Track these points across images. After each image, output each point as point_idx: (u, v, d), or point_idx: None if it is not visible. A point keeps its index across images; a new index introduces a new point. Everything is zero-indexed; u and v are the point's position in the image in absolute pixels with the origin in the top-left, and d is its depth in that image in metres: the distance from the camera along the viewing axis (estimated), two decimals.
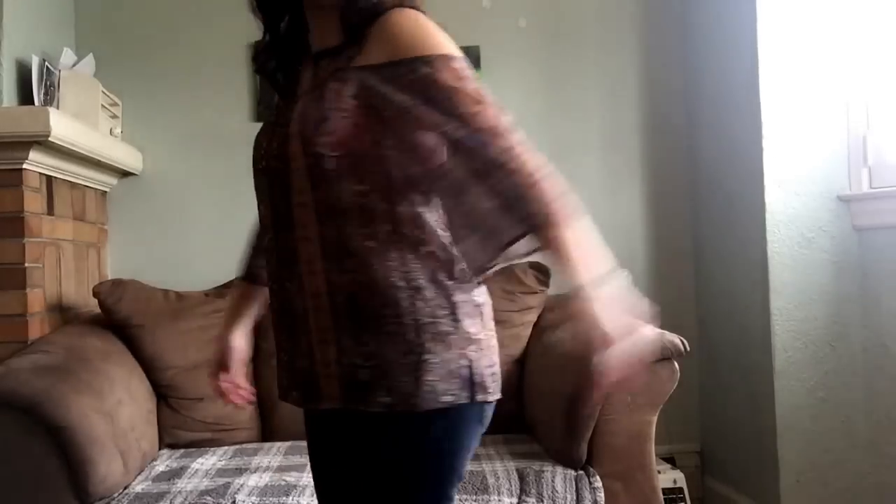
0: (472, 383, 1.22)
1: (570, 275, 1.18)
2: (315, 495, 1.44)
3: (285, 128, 1.25)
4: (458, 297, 1.23)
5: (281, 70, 1.36)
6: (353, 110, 1.19)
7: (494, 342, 1.29)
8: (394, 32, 1.20)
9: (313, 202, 1.21)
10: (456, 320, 1.22)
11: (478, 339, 1.24)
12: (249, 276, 1.51)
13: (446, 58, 1.18)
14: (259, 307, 1.52)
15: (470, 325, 1.24)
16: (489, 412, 1.28)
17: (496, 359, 1.28)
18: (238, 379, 1.52)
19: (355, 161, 1.20)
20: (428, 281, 1.21)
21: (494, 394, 1.26)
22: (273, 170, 1.27)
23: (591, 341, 1.14)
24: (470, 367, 1.22)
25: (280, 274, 1.29)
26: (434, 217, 1.24)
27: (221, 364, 1.51)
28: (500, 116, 1.20)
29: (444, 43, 1.21)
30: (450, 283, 1.23)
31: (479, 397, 1.23)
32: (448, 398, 1.20)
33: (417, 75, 1.17)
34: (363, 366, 1.20)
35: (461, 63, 1.20)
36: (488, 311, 1.30)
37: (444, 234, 1.24)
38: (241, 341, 1.52)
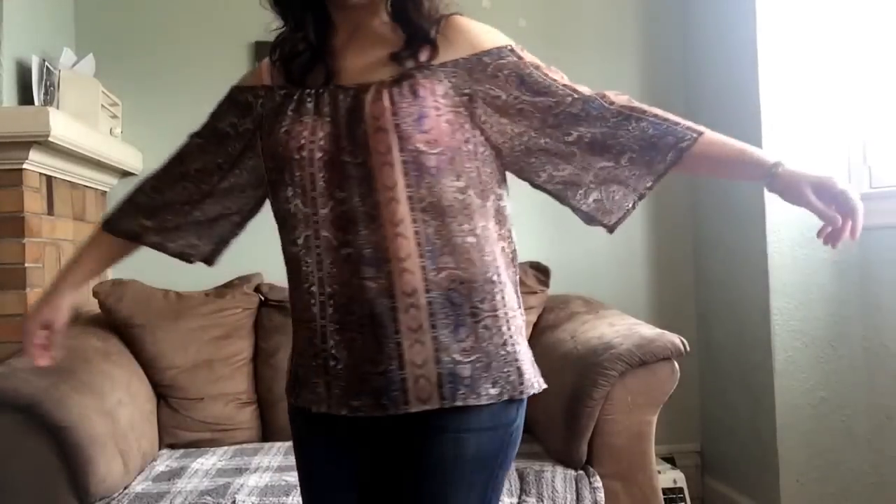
0: (538, 371, 1.33)
1: (753, 159, 1.33)
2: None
3: (353, 120, 1.23)
4: (517, 290, 1.32)
5: (304, 58, 1.32)
6: (444, 108, 1.24)
7: None
8: (467, 29, 1.30)
9: (408, 198, 1.21)
10: (522, 313, 1.33)
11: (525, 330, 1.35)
12: (125, 232, 1.50)
13: (517, 46, 1.31)
14: (106, 266, 1.53)
15: (523, 317, 1.34)
16: None
17: None
18: (56, 340, 1.50)
19: (452, 157, 1.24)
20: (507, 275, 1.29)
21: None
22: (327, 163, 1.24)
23: (833, 186, 1.28)
24: (532, 356, 1.33)
25: (352, 274, 1.22)
26: (509, 209, 1.35)
27: (47, 321, 1.48)
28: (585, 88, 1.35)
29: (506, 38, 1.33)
30: (514, 276, 1.32)
31: (544, 384, 1.34)
32: (538, 386, 1.31)
33: (506, 61, 1.28)
34: (463, 361, 1.22)
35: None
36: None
37: (511, 227, 1.34)
38: (73, 300, 1.50)
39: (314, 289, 1.25)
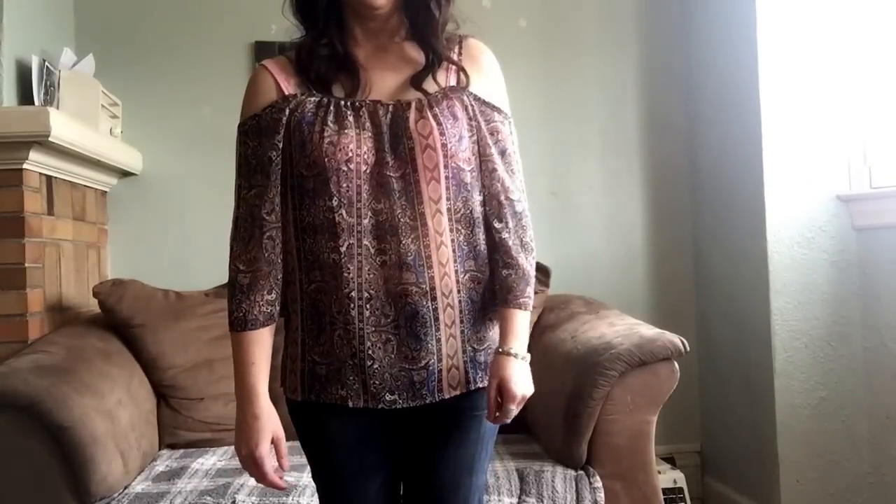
0: None
1: (518, 336, 1.43)
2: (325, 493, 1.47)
3: (396, 135, 1.33)
4: None
5: (325, 67, 1.39)
6: (471, 130, 1.39)
7: None
8: (490, 71, 1.45)
9: (447, 210, 1.35)
10: None
11: None
12: (260, 321, 1.39)
13: (512, 124, 1.45)
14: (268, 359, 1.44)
15: None
16: None
17: None
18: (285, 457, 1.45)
19: (478, 175, 1.40)
20: None
21: None
22: (369, 175, 1.33)
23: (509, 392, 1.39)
24: None
25: (390, 279, 1.33)
26: None
27: (273, 436, 1.42)
28: None
29: None
30: None
31: None
32: None
33: (505, 128, 1.43)
34: (479, 349, 1.42)
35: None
36: None
37: None
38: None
39: (353, 294, 1.33)
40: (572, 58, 3.25)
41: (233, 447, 2.49)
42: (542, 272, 2.82)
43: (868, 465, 2.65)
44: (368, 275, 1.32)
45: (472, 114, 1.39)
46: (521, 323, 1.43)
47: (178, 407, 2.56)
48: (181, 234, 3.08)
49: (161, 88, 3.09)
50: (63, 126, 2.32)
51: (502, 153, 1.42)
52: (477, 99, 1.40)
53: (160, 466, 2.31)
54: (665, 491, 2.56)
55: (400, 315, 1.33)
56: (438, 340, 1.36)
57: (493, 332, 1.45)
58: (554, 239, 3.16)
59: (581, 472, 2.18)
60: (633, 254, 3.24)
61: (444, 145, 1.33)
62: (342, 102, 1.36)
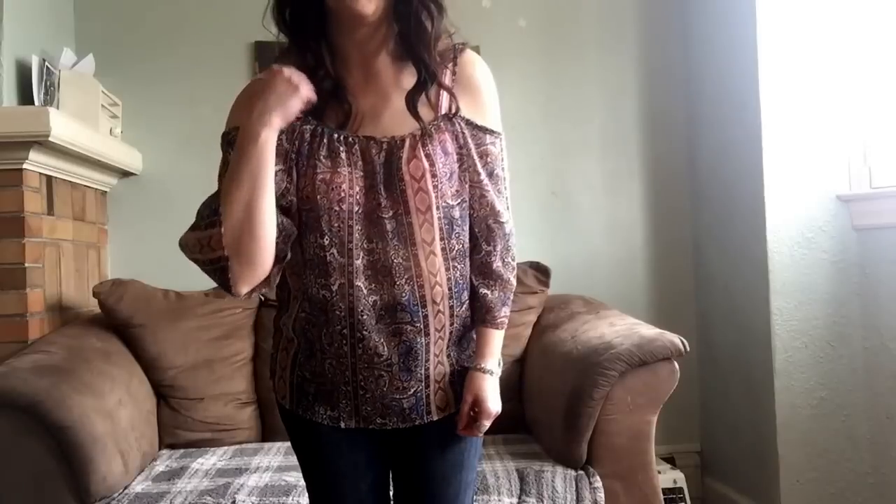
0: None
1: (494, 354, 1.44)
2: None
3: (389, 176, 1.30)
4: None
5: (323, 85, 1.32)
6: (457, 160, 1.36)
7: None
8: (482, 90, 1.41)
9: (442, 250, 1.35)
10: None
11: None
12: None
13: (503, 141, 1.43)
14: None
15: None
16: None
17: None
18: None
19: (467, 205, 1.39)
20: None
21: None
22: (361, 216, 1.31)
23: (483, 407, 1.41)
24: None
25: (382, 319, 1.33)
26: None
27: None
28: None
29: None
30: None
31: None
32: None
33: (496, 149, 1.40)
34: (465, 367, 1.43)
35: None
36: None
37: None
38: None
39: (346, 331, 1.34)
40: (572, 58, 3.25)
41: (233, 447, 2.51)
42: (542, 272, 2.82)
43: (868, 465, 2.65)
44: (361, 315, 1.32)
45: (462, 142, 1.36)
46: (497, 341, 1.45)
47: (178, 407, 2.56)
48: (181, 234, 3.07)
49: (161, 88, 3.09)
50: (63, 126, 2.32)
51: (490, 174, 1.40)
52: (469, 124, 1.37)
53: (160, 466, 2.31)
54: (665, 491, 2.56)
55: (393, 353, 1.35)
56: (427, 369, 1.38)
57: (471, 349, 1.47)
58: (554, 239, 3.17)
59: (581, 472, 2.18)
60: (633, 254, 3.24)
61: (435, 187, 1.32)
62: (335, 136, 1.31)
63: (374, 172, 1.31)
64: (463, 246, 1.39)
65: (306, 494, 2.02)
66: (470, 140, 1.37)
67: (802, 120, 2.70)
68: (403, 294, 1.32)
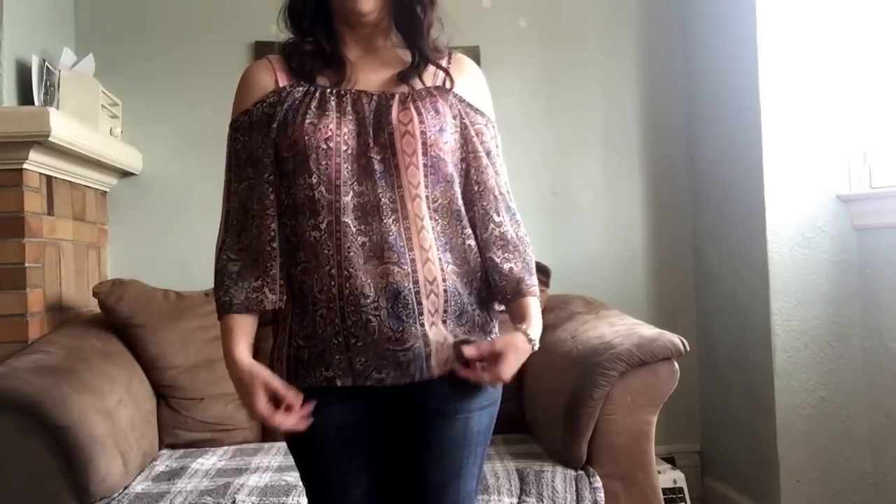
0: None
1: (534, 321, 1.43)
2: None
3: (377, 122, 1.36)
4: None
5: (313, 61, 1.44)
6: (455, 129, 1.42)
7: None
8: (477, 79, 1.50)
9: (426, 197, 1.37)
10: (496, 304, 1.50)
11: None
12: (245, 306, 1.39)
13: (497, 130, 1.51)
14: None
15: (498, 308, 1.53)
16: None
17: None
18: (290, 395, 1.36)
19: (461, 170, 1.43)
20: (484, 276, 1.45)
21: None
22: (350, 156, 1.35)
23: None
24: None
25: (371, 259, 1.33)
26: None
27: (267, 387, 1.35)
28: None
29: None
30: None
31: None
32: None
33: (490, 133, 1.47)
34: (469, 340, 1.38)
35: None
36: None
37: None
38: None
39: (334, 271, 1.34)
40: (572, 58, 3.25)
41: (233, 447, 2.51)
42: (542, 272, 2.81)
43: (868, 465, 2.65)
44: (348, 252, 1.32)
45: (457, 112, 1.43)
46: (536, 309, 1.43)
47: (178, 407, 2.56)
48: (181, 234, 3.08)
49: (161, 88, 3.09)
50: (63, 126, 2.32)
51: (488, 154, 1.45)
52: (462, 101, 1.44)
53: (160, 466, 2.31)
54: (665, 491, 2.56)
55: (381, 296, 1.32)
56: (423, 325, 1.34)
57: (484, 331, 1.44)
58: (554, 239, 3.17)
59: (581, 472, 2.18)
60: (633, 254, 3.24)
61: (423, 132, 1.36)
62: (327, 90, 1.40)
63: (364, 119, 1.37)
64: (448, 203, 1.41)
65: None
66: (465, 116, 1.44)
67: (802, 120, 2.70)
68: (390, 233, 1.33)
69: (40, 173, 2.43)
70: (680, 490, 2.77)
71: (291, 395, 1.33)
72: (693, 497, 2.89)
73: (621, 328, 2.36)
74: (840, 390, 2.67)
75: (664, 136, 3.26)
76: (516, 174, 3.12)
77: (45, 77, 2.54)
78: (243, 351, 1.38)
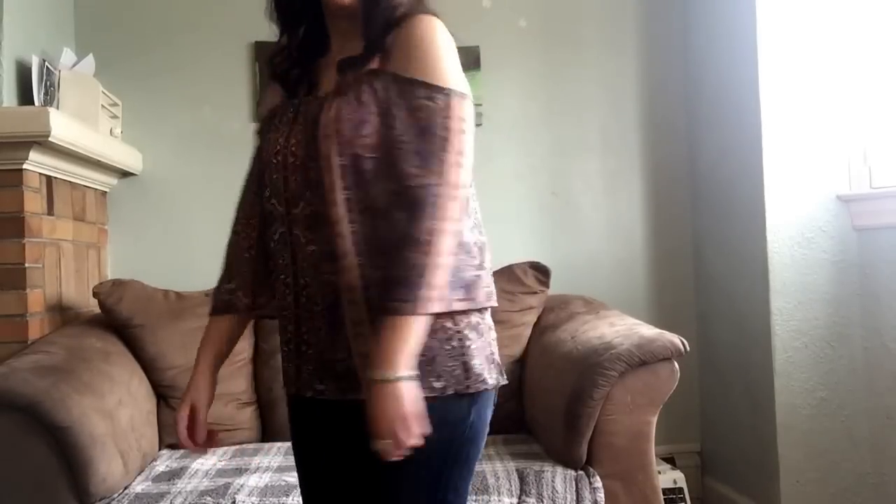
0: (499, 368, 1.37)
1: (384, 351, 1.20)
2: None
3: (312, 127, 1.30)
4: (479, 288, 1.33)
5: (295, 71, 1.42)
6: (380, 113, 1.27)
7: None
8: (417, 44, 1.29)
9: (346, 200, 1.26)
10: (482, 311, 1.34)
11: (490, 327, 1.37)
12: (219, 308, 1.51)
13: (460, 98, 1.27)
14: (232, 346, 1.55)
15: (487, 317, 1.37)
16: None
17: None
18: (202, 425, 1.49)
19: (388, 163, 1.26)
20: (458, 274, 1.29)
21: (504, 378, 1.38)
22: (297, 167, 1.32)
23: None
24: (493, 353, 1.36)
25: (316, 268, 1.30)
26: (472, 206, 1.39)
27: (192, 403, 1.49)
28: (462, 180, 1.25)
29: (459, 71, 1.30)
30: (474, 273, 1.32)
31: (502, 381, 1.36)
32: (491, 381, 1.33)
33: (437, 103, 1.26)
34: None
35: (469, 106, 1.28)
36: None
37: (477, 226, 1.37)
38: (212, 382, 1.53)
39: (289, 280, 1.35)
40: (572, 58, 3.25)
41: (233, 447, 2.51)
42: (542, 272, 2.82)
43: (868, 465, 2.65)
44: (303, 263, 1.32)
45: (383, 97, 1.27)
46: (391, 333, 1.19)
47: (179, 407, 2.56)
48: (181, 234, 3.08)
49: (161, 88, 3.09)
50: (63, 126, 2.32)
51: (423, 132, 1.24)
52: (396, 79, 1.27)
53: (160, 467, 2.31)
54: (665, 491, 2.56)
55: (325, 304, 1.30)
56: (346, 338, 1.26)
57: (436, 339, 1.27)
58: (554, 239, 3.17)
59: (581, 472, 2.18)
60: (633, 254, 3.24)
61: (337, 131, 1.26)
62: (293, 101, 1.39)
63: (307, 125, 1.32)
64: (378, 203, 1.26)
65: None
66: (397, 96, 1.27)
67: (802, 120, 2.70)
68: (329, 243, 1.27)
69: (40, 173, 2.43)
70: (680, 490, 2.77)
71: (200, 428, 1.47)
72: (693, 497, 2.89)
73: (621, 328, 2.36)
74: (840, 390, 2.67)
75: (664, 136, 3.26)
76: (516, 174, 3.16)
77: (45, 77, 2.54)
78: (202, 356, 1.52)
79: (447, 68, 1.28)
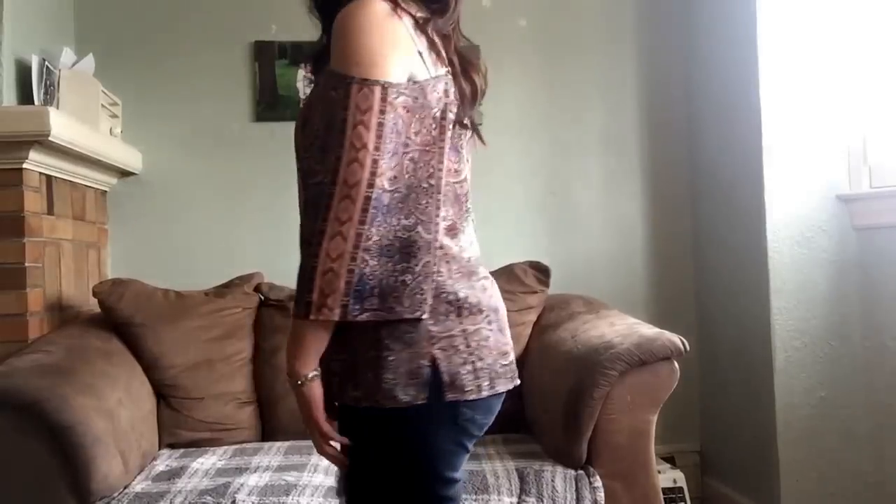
0: (440, 382, 1.19)
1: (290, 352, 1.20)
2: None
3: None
4: (431, 292, 1.21)
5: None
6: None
7: (483, 336, 1.27)
8: (335, 32, 1.20)
9: (301, 203, 1.26)
10: (418, 321, 1.19)
11: (448, 335, 1.21)
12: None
13: (360, 85, 1.14)
14: None
15: (435, 324, 1.20)
16: (472, 412, 1.24)
17: (486, 354, 1.26)
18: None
19: (320, 159, 1.17)
20: (389, 278, 1.18)
21: (478, 391, 1.23)
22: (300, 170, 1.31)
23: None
24: (433, 366, 1.19)
25: None
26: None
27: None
28: (361, 177, 1.12)
29: (374, 53, 1.16)
30: (416, 277, 1.20)
31: (450, 396, 1.20)
32: (405, 398, 1.18)
33: (338, 94, 1.15)
34: (336, 358, 1.21)
35: (376, 91, 1.15)
36: (471, 305, 1.25)
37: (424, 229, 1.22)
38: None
39: None
40: (572, 57, 3.25)
41: (233, 447, 2.51)
42: (542, 272, 2.82)
43: (868, 465, 2.65)
44: None
45: (315, 96, 1.27)
46: (290, 337, 1.18)
47: (179, 407, 2.56)
48: (181, 234, 3.08)
49: (161, 88, 3.09)
50: (63, 126, 2.32)
51: (328, 126, 1.16)
52: (328, 73, 1.21)
53: (160, 466, 2.31)
54: (665, 491, 2.56)
55: None
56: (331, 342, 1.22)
57: (362, 345, 1.19)
58: (554, 239, 3.17)
59: (581, 471, 2.18)
60: (633, 253, 3.24)
61: (295, 135, 1.28)
62: None
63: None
64: (305, 205, 1.25)
65: (306, 494, 2.03)
66: (322, 88, 1.22)
67: (802, 119, 2.70)
68: None
69: (40, 173, 2.43)
70: (680, 490, 2.77)
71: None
72: (693, 497, 2.89)
73: (621, 328, 2.36)
74: (840, 389, 2.67)
75: (664, 136, 3.26)
76: (516, 174, 3.16)
77: (45, 77, 2.54)
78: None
79: (353, 53, 1.16)
